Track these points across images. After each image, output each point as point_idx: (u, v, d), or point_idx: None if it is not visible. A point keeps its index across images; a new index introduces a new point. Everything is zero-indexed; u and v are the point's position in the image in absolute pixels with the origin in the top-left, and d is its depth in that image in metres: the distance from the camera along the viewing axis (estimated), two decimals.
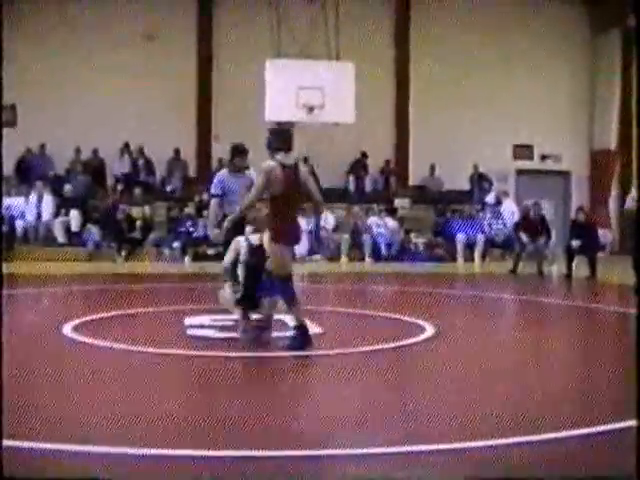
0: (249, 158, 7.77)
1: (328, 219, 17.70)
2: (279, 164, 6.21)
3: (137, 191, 17.57)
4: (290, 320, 6.45)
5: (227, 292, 6.68)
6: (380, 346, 6.45)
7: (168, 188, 18.38)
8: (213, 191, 7.83)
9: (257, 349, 6.30)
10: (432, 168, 19.75)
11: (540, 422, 4.16)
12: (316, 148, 18.69)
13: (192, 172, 19.16)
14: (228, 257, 6.62)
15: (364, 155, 19.57)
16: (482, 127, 19.82)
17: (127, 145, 18.39)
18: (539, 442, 3.80)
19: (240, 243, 6.61)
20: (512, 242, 15.98)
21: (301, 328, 6.20)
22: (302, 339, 6.17)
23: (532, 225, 14.89)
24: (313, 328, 7.22)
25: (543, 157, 21.05)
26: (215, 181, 7.85)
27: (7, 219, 15.82)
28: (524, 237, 14.78)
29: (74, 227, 16.55)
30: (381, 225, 17.59)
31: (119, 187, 17.72)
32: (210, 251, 14.75)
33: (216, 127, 18.86)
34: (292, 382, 5.38)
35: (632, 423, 3.84)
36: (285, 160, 6.25)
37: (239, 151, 7.72)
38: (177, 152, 18.71)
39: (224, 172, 7.92)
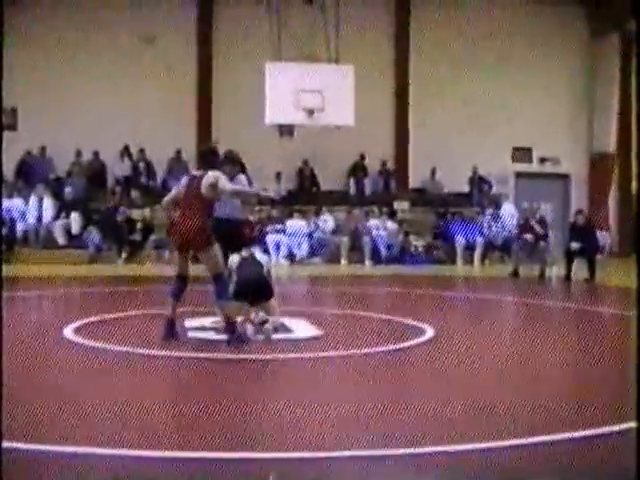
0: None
1: (327, 221, 17.73)
2: (188, 176, 6.97)
3: (137, 193, 17.58)
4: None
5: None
6: (379, 348, 6.47)
7: (171, 187, 18.36)
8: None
9: (257, 351, 6.32)
10: (433, 171, 19.77)
11: (539, 424, 4.18)
12: (316, 151, 18.75)
13: None
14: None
15: (363, 157, 19.61)
16: (481, 130, 19.84)
17: (127, 148, 18.41)
18: (538, 444, 3.81)
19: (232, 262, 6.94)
20: (512, 245, 16.00)
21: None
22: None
23: (532, 229, 14.93)
24: (314, 330, 7.26)
25: (542, 160, 21.06)
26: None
27: (7, 221, 15.84)
28: (529, 237, 14.80)
29: (74, 230, 16.56)
30: (381, 227, 17.61)
31: (119, 189, 17.73)
32: None
33: (216, 130, 18.88)
34: (292, 384, 5.40)
35: (631, 425, 3.86)
36: (195, 172, 6.88)
37: (232, 161, 7.76)
38: (179, 153, 18.70)
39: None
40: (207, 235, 6.54)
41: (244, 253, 7.07)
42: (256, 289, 6.90)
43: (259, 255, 7.35)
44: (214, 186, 6.54)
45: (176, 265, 6.83)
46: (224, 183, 6.62)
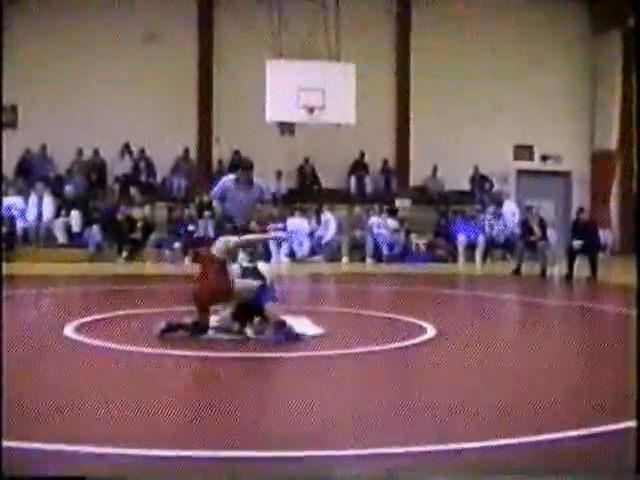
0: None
1: (330, 221, 17.65)
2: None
3: (138, 192, 17.56)
4: None
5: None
6: (381, 347, 6.45)
7: (175, 186, 18.36)
8: (215, 195, 8.33)
9: (257, 350, 6.30)
10: (434, 169, 19.76)
11: (540, 422, 4.16)
12: (317, 149, 18.73)
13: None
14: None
15: (364, 155, 19.58)
16: (483, 128, 19.83)
17: (128, 145, 18.39)
18: (540, 442, 3.80)
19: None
20: (513, 243, 15.98)
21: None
22: None
23: (531, 230, 14.93)
24: (315, 329, 7.23)
25: (544, 158, 21.05)
26: (220, 184, 8.32)
27: (7, 220, 15.82)
28: (529, 238, 14.80)
29: (75, 228, 16.54)
30: (382, 226, 17.58)
31: (119, 188, 17.71)
32: None
33: (217, 128, 18.87)
34: (292, 383, 5.38)
35: (632, 423, 3.84)
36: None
37: (245, 167, 8.06)
38: (186, 151, 18.72)
39: (231, 179, 8.24)
40: (229, 287, 6.70)
41: (245, 263, 7.15)
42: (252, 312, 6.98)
43: (261, 264, 7.40)
44: (226, 250, 6.82)
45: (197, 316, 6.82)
46: (232, 242, 6.87)
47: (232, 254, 6.98)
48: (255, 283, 6.81)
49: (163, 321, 6.78)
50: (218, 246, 6.88)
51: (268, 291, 6.82)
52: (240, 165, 8.21)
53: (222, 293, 6.73)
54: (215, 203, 8.39)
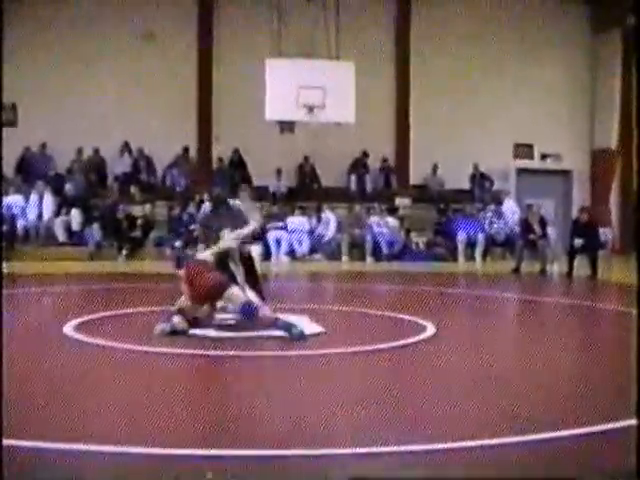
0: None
1: (330, 221, 17.64)
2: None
3: (138, 190, 17.56)
4: None
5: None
6: (381, 345, 6.45)
7: (178, 188, 18.36)
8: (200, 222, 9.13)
9: (257, 348, 6.30)
10: (434, 167, 19.76)
11: (539, 422, 4.16)
12: (317, 147, 18.74)
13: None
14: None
15: (365, 154, 19.58)
16: (483, 126, 19.83)
17: (127, 144, 18.38)
18: (539, 441, 3.80)
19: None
20: (513, 241, 15.99)
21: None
22: None
23: (532, 229, 14.94)
24: (315, 327, 7.24)
25: (544, 156, 21.05)
26: (202, 214, 8.85)
27: (8, 218, 15.82)
28: (530, 236, 14.80)
29: (75, 226, 16.55)
30: (382, 224, 17.58)
31: (119, 186, 17.71)
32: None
33: (217, 127, 18.86)
34: (292, 381, 5.38)
35: (632, 422, 3.84)
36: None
37: (217, 202, 8.45)
38: (186, 150, 18.72)
39: (210, 208, 8.93)
40: (225, 285, 6.78)
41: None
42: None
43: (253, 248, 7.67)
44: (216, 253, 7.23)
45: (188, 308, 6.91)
46: (222, 246, 7.35)
47: (223, 255, 7.19)
48: (244, 298, 6.82)
49: (163, 322, 6.78)
50: (204, 254, 7.19)
51: (252, 310, 6.74)
52: (213, 202, 8.58)
53: (217, 288, 6.75)
54: (198, 230, 9.03)
